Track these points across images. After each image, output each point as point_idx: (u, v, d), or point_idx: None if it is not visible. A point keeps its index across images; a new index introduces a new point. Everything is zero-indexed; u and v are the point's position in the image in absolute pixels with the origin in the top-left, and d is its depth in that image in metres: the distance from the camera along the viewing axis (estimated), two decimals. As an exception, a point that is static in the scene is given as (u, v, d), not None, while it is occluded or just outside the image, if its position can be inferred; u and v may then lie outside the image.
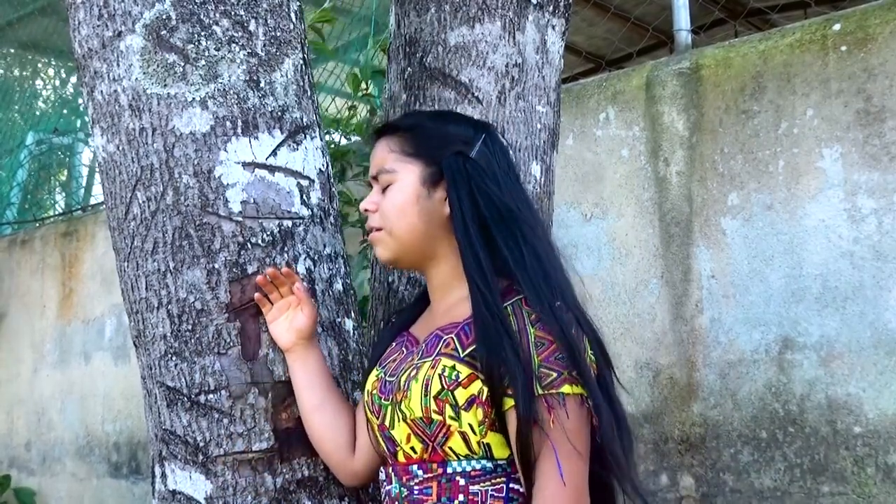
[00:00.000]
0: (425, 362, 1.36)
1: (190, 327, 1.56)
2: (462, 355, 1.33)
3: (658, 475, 2.74)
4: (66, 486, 4.53)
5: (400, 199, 1.43)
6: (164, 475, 1.60)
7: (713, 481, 2.64)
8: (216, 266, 1.55)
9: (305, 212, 1.63)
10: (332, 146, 3.23)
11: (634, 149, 2.90)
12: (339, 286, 1.68)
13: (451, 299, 1.43)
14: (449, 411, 1.31)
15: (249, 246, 1.57)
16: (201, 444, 1.55)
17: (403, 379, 1.38)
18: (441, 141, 1.43)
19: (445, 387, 1.31)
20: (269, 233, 1.58)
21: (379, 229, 1.45)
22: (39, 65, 6.27)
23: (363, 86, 3.21)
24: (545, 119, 1.84)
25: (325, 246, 1.66)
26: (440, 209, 1.42)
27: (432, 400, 1.32)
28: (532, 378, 1.26)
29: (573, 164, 3.02)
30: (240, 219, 1.56)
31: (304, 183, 1.64)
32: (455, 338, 1.36)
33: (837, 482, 2.43)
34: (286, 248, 1.60)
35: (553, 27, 1.86)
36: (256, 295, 1.55)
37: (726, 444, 2.62)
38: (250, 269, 1.56)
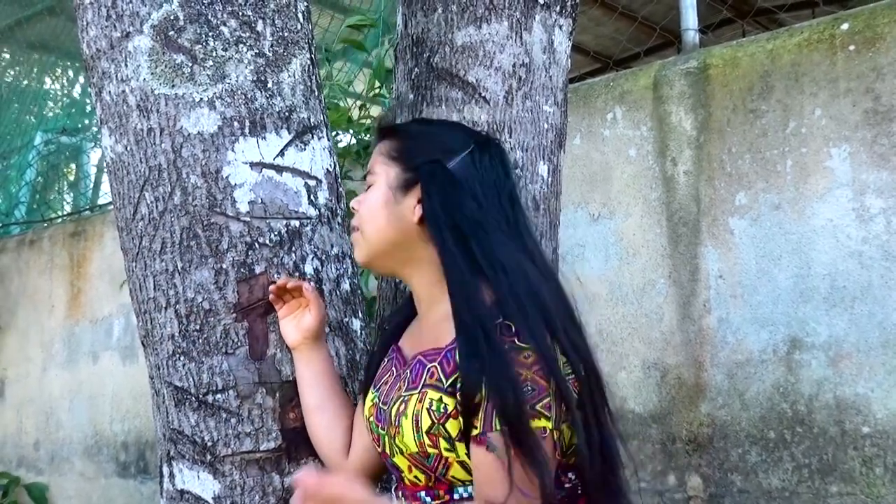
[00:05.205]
0: (412, 395, 1.33)
1: (198, 327, 1.56)
2: (445, 386, 1.29)
3: (666, 475, 2.73)
4: (75, 486, 4.55)
5: (372, 201, 1.43)
6: (172, 475, 1.61)
7: (721, 481, 2.63)
8: (224, 266, 1.56)
9: (313, 212, 1.63)
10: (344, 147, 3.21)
11: (642, 148, 2.90)
12: (346, 286, 1.69)
13: (437, 315, 1.39)
14: (443, 444, 1.29)
15: (257, 246, 1.57)
16: (209, 444, 1.55)
17: (394, 413, 1.35)
18: (422, 147, 1.42)
19: (436, 421, 1.29)
20: (276, 233, 1.58)
21: (358, 229, 1.45)
22: (47, 65, 6.28)
23: (376, 84, 3.20)
24: (552, 119, 1.84)
25: (332, 246, 1.66)
26: (409, 215, 1.39)
27: (425, 435, 1.30)
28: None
29: (580, 163, 3.02)
30: (247, 219, 1.57)
31: (312, 183, 1.65)
32: (438, 367, 1.32)
33: (846, 482, 2.42)
34: (294, 248, 1.60)
35: (560, 27, 1.85)
36: (271, 296, 1.55)
37: (734, 445, 2.61)
38: (258, 269, 1.56)
